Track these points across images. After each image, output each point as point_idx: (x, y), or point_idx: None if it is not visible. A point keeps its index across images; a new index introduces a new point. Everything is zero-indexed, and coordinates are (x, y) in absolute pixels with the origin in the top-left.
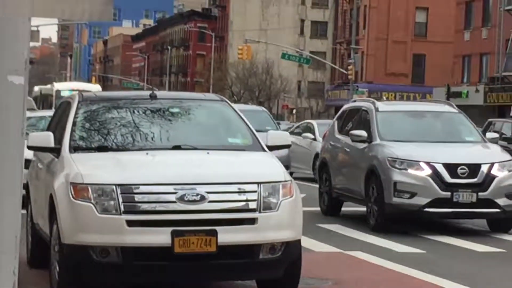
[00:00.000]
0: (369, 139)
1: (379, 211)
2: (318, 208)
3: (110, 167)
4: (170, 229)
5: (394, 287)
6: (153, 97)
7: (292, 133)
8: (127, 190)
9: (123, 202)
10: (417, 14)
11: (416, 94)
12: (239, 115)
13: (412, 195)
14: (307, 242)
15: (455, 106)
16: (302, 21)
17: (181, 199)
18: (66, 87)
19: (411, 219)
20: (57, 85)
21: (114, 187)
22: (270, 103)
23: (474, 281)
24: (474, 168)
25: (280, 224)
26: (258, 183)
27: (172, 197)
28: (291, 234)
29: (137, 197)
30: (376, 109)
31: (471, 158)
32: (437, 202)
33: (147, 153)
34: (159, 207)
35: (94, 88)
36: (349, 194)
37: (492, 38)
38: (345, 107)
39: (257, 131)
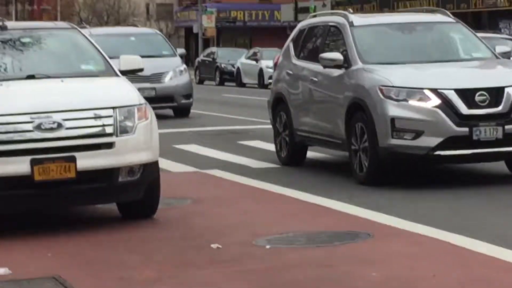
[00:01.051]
0: (346, 63)
1: (372, 158)
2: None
3: None
4: (29, 157)
5: (250, 200)
6: (3, 28)
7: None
8: None
9: None
10: None
11: (264, 12)
12: (90, 42)
13: (417, 134)
14: (164, 163)
15: (449, 14)
16: None
17: (38, 127)
18: None
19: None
20: None
21: None
22: None
23: (321, 188)
24: (496, 93)
25: (137, 147)
26: (114, 108)
27: (29, 126)
28: (148, 156)
29: None
30: (351, 24)
31: (489, 80)
32: (452, 141)
33: (1, 84)
34: (16, 137)
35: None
36: (320, 137)
37: None
38: (301, 24)
39: (152, 56)
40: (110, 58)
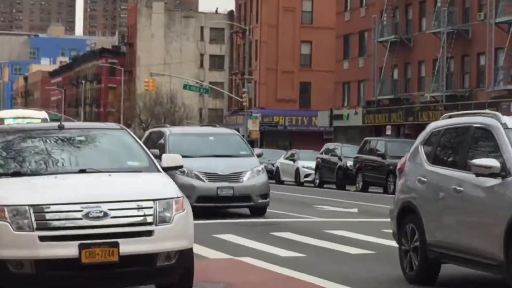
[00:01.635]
0: (504, 171)
1: None
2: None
3: (23, 190)
4: (78, 242)
5: (278, 287)
6: (61, 127)
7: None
8: (39, 209)
9: (35, 220)
10: (302, 47)
11: (303, 118)
12: (137, 141)
13: None
14: (202, 250)
15: None
16: (202, 55)
17: (87, 216)
18: (10, 115)
19: None
20: (1, 113)
21: (27, 207)
22: None
23: (347, 280)
24: None
25: (174, 235)
26: (154, 200)
27: (79, 215)
28: (184, 243)
29: (48, 215)
30: (505, 126)
31: None
32: None
33: (56, 177)
34: (67, 223)
35: (40, 114)
36: (463, 256)
37: (368, 66)
38: (434, 126)
39: (230, 156)
40: (188, 157)
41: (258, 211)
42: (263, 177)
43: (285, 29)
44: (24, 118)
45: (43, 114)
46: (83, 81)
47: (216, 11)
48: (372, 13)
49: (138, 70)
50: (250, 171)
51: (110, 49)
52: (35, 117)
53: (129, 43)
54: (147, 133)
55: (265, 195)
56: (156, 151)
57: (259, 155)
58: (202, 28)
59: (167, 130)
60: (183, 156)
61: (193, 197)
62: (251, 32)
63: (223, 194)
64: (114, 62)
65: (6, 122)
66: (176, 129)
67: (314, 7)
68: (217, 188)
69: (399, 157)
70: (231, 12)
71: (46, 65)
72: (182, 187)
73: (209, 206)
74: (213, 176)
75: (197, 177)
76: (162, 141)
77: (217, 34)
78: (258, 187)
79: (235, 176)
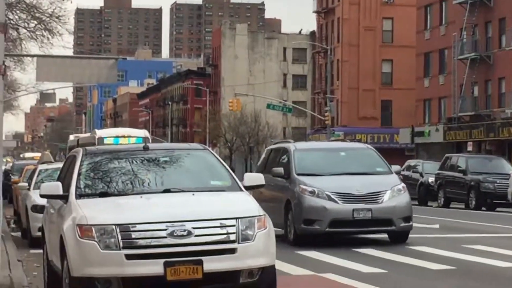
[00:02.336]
0: None
1: None
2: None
3: (110, 209)
4: (163, 260)
5: None
6: (146, 148)
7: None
8: (125, 228)
9: (122, 239)
10: (383, 65)
11: (385, 135)
12: (219, 160)
13: None
14: (285, 267)
15: None
16: (285, 75)
17: (171, 234)
18: (110, 134)
19: None
20: (100, 132)
21: (114, 226)
22: (259, 147)
23: None
24: None
25: (256, 253)
26: (237, 218)
27: (164, 233)
28: (266, 260)
29: (134, 234)
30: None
31: None
32: None
33: (141, 197)
34: (153, 242)
35: (141, 133)
36: None
37: (448, 83)
38: None
39: (365, 174)
40: (318, 175)
41: (400, 236)
42: (405, 197)
43: (366, 48)
44: (125, 137)
45: (144, 132)
46: (170, 102)
47: (300, 32)
48: (451, 31)
49: (222, 91)
50: (390, 190)
51: (196, 70)
52: (136, 135)
53: (214, 65)
54: (266, 150)
55: (408, 218)
56: (280, 169)
57: (397, 172)
58: (284, 48)
59: (292, 146)
60: (310, 175)
61: (325, 221)
62: (332, 51)
63: (359, 217)
64: (200, 83)
65: (106, 141)
66: (302, 145)
67: (394, 26)
68: (353, 210)
69: (480, 173)
70: (312, 32)
71: (134, 87)
72: (311, 209)
73: (344, 232)
74: (347, 197)
75: (329, 198)
76: (285, 158)
77: (299, 54)
78: (400, 208)
79: (373, 196)
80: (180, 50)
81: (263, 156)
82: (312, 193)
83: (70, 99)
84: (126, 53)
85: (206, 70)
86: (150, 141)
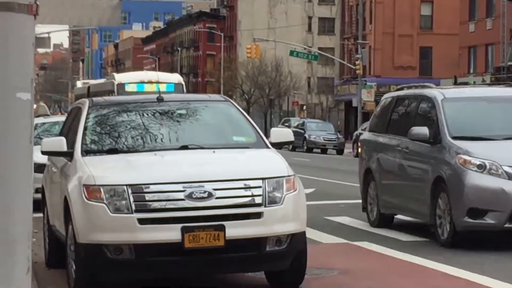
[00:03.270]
0: None
1: None
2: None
3: (120, 168)
4: (180, 225)
5: (400, 275)
6: (160, 100)
7: None
8: (137, 189)
9: (134, 201)
10: (422, 7)
11: None
12: (243, 114)
13: None
14: (314, 234)
15: None
16: (310, 18)
17: (190, 196)
18: (132, 79)
19: None
20: (119, 77)
21: (125, 187)
22: (280, 100)
23: (483, 268)
24: None
25: (285, 217)
26: (263, 179)
27: (181, 195)
28: (296, 226)
29: (148, 196)
30: None
31: None
32: None
33: (155, 154)
34: (169, 205)
35: (173, 78)
36: None
37: (496, 28)
38: None
39: None
40: (484, 139)
41: None
42: None
43: None
44: (152, 82)
45: (178, 77)
46: (179, 48)
47: None
48: None
49: (239, 36)
50: None
51: (208, 12)
52: (166, 81)
53: (229, 6)
54: (386, 99)
55: None
56: (424, 129)
57: None
58: None
59: (437, 93)
60: (474, 139)
61: (504, 211)
62: None
63: None
64: (213, 27)
65: (129, 88)
66: (453, 92)
67: None
68: None
69: None
70: None
71: (138, 30)
72: (481, 193)
73: None
74: None
75: (510, 176)
76: (428, 112)
77: None
78: None
79: None
80: None
81: (379, 106)
82: (481, 167)
83: (66, 45)
84: None
85: (220, 12)
86: (185, 89)
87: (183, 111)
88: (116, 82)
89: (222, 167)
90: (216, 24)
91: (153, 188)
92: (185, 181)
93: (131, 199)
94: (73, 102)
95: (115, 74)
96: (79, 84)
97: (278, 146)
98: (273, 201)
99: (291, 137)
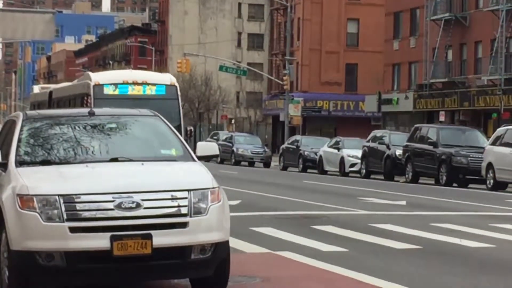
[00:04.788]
0: None
1: None
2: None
3: (53, 179)
4: (109, 234)
5: (316, 282)
6: (91, 114)
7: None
8: (69, 199)
9: (65, 210)
10: (348, 25)
11: (349, 102)
12: (171, 128)
13: None
14: (239, 244)
15: None
16: (239, 33)
17: (119, 206)
18: (113, 79)
19: None
20: (97, 77)
21: (57, 197)
22: (209, 114)
23: (389, 275)
24: None
25: (209, 227)
26: (189, 190)
27: (111, 205)
28: (219, 236)
29: (79, 206)
30: None
31: None
32: None
33: (86, 166)
34: (98, 214)
35: (165, 78)
36: None
37: (420, 46)
38: None
39: None
40: None
41: None
42: None
43: (330, 5)
44: (137, 84)
45: (170, 78)
46: (111, 62)
47: None
48: None
49: (170, 50)
50: None
51: (140, 26)
52: (156, 82)
53: (161, 21)
54: None
55: None
56: None
57: None
58: (239, 4)
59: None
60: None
61: None
62: (293, 9)
63: None
64: (144, 41)
65: (108, 91)
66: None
67: None
68: None
69: (452, 146)
70: None
71: (70, 43)
72: None
73: None
74: None
75: None
76: None
77: (256, 11)
78: None
79: None
80: (123, 4)
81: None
82: None
83: None
84: (62, 6)
85: (151, 27)
86: (179, 91)
87: (114, 125)
88: (92, 83)
89: (150, 179)
90: (148, 38)
91: (84, 198)
92: (115, 191)
93: (63, 209)
94: (25, 111)
95: (90, 73)
96: (36, 89)
97: (205, 159)
98: (198, 212)
99: (216, 151)
